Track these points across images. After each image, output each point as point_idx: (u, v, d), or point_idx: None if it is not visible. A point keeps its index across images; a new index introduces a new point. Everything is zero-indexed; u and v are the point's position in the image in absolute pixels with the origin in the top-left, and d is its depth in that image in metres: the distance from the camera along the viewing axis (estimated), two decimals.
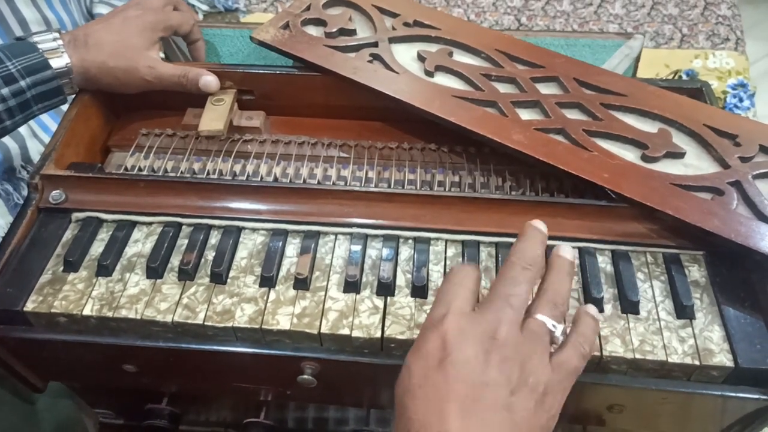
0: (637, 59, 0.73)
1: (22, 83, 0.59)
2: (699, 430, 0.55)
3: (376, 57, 0.66)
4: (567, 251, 0.44)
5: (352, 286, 0.52)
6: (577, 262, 0.45)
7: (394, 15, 0.70)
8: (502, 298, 0.40)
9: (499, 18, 1.29)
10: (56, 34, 0.62)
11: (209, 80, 0.64)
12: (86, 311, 0.52)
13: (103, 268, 0.54)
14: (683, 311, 0.50)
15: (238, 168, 0.62)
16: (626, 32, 0.74)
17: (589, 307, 0.44)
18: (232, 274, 0.54)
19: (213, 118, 0.63)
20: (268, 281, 0.53)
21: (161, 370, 0.57)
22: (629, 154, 0.57)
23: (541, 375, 0.38)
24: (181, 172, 0.61)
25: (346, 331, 0.50)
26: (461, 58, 0.66)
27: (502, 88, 0.63)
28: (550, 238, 0.54)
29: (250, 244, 0.56)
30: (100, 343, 0.52)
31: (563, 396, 0.40)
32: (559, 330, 0.41)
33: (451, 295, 0.41)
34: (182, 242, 0.56)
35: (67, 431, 0.76)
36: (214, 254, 0.55)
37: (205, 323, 0.51)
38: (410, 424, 0.37)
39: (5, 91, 0.58)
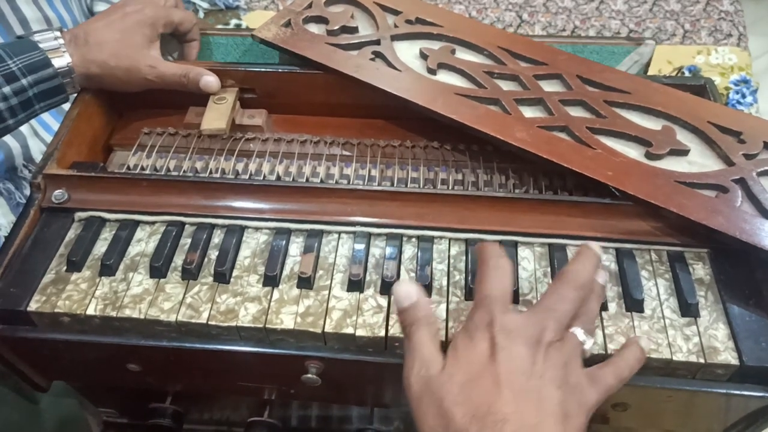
0: (647, 65, 0.72)
1: (24, 81, 0.58)
2: (703, 428, 0.55)
3: (378, 55, 0.65)
4: (602, 277, 0.47)
5: (355, 284, 0.52)
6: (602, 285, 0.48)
7: (396, 12, 0.70)
8: (549, 309, 0.43)
9: (501, 14, 1.28)
10: (57, 33, 0.62)
11: (210, 80, 0.64)
12: (90, 311, 0.52)
13: (107, 268, 0.54)
14: (688, 309, 0.50)
15: (240, 167, 0.62)
16: (637, 38, 0.73)
17: (641, 340, 0.46)
18: (235, 273, 0.54)
19: (215, 117, 0.63)
20: (271, 280, 0.53)
21: (165, 370, 0.57)
22: (633, 152, 0.57)
23: (579, 380, 0.41)
24: (184, 171, 0.61)
25: (350, 330, 0.50)
26: (464, 55, 0.66)
27: (505, 85, 0.62)
28: (553, 236, 0.55)
29: (254, 243, 0.56)
30: (103, 343, 0.52)
31: (592, 407, 0.42)
32: (588, 344, 0.43)
33: (496, 296, 0.43)
34: (185, 241, 0.56)
35: (70, 430, 0.76)
36: (217, 253, 0.55)
37: (209, 323, 0.51)
38: (478, 407, 0.38)
39: (7, 89, 0.58)
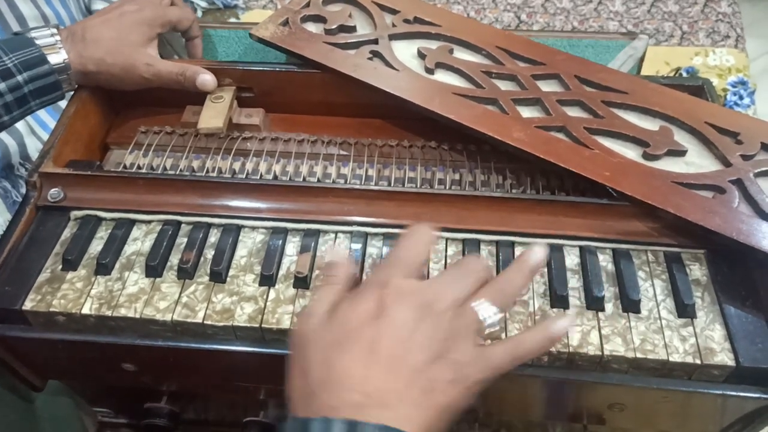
0: (642, 60, 0.73)
1: (19, 78, 0.58)
2: (699, 428, 0.55)
3: (376, 54, 0.65)
4: (536, 253, 0.44)
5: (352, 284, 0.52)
6: (537, 264, 0.45)
7: (394, 12, 0.70)
8: (450, 279, 0.42)
9: (499, 15, 1.28)
10: (54, 30, 0.61)
11: (207, 79, 0.64)
12: (85, 310, 0.51)
13: (102, 267, 0.54)
14: (684, 310, 0.50)
15: (237, 166, 0.62)
16: (630, 32, 0.74)
17: (561, 320, 0.43)
18: (231, 272, 0.54)
19: (212, 116, 0.63)
20: (267, 280, 0.53)
21: (160, 369, 0.56)
22: (630, 152, 0.57)
23: (462, 355, 0.40)
24: (181, 170, 0.61)
25: None
26: (462, 55, 0.66)
27: (503, 85, 0.62)
28: (550, 236, 0.55)
29: (250, 242, 0.56)
30: (99, 342, 0.52)
31: (474, 385, 0.40)
32: (491, 320, 0.41)
33: (399, 259, 0.43)
34: (181, 241, 0.56)
35: (65, 430, 0.76)
36: (213, 253, 0.54)
37: (205, 322, 0.51)
38: (332, 370, 0.38)
39: (2, 86, 0.57)
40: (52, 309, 0.51)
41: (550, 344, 0.43)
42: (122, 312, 0.51)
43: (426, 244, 0.44)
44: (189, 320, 0.51)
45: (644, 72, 0.77)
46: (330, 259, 0.45)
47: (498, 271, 0.53)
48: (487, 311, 0.41)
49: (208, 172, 0.61)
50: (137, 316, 0.51)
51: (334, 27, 0.68)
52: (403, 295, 0.40)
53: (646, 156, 0.56)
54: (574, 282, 0.52)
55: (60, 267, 0.54)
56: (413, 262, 0.43)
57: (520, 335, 0.42)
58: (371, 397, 0.37)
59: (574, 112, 0.60)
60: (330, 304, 0.42)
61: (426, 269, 0.53)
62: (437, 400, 0.38)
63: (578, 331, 0.49)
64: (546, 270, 0.53)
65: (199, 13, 1.26)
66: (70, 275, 0.54)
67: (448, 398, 0.39)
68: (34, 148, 0.86)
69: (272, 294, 0.52)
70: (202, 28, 0.75)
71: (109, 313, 0.51)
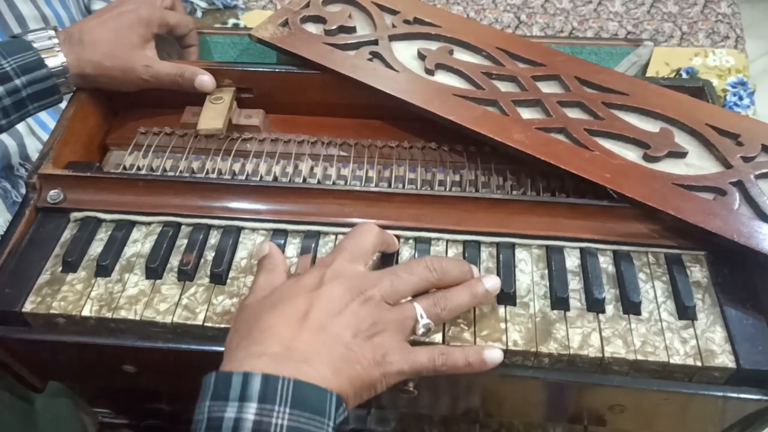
0: (646, 66, 0.72)
1: (17, 82, 0.58)
2: (700, 430, 0.55)
3: (375, 55, 0.65)
4: (489, 281, 0.48)
5: None
6: (495, 291, 0.49)
7: (394, 12, 0.70)
8: (392, 273, 0.45)
9: (499, 15, 1.28)
10: (52, 32, 0.61)
11: (205, 80, 0.64)
12: (85, 312, 0.51)
13: (102, 269, 0.54)
14: (685, 312, 0.50)
15: (237, 167, 0.62)
16: (635, 39, 0.73)
17: (494, 351, 0.45)
18: (231, 274, 0.54)
19: (212, 117, 0.63)
20: None
21: (160, 371, 0.56)
22: (631, 154, 0.57)
23: (387, 343, 0.43)
24: (180, 171, 0.61)
25: None
26: (462, 56, 0.66)
27: (503, 86, 0.62)
28: (551, 238, 0.55)
29: (250, 244, 0.56)
30: (99, 344, 0.52)
31: (393, 376, 0.43)
32: (423, 323, 0.44)
33: (347, 246, 0.47)
34: (181, 242, 0.56)
35: (66, 430, 0.76)
36: (213, 254, 0.54)
37: (205, 324, 0.51)
38: (260, 324, 0.42)
39: (0, 90, 0.57)
40: (52, 311, 0.51)
41: (477, 369, 0.45)
42: (122, 314, 0.51)
43: (371, 236, 0.48)
44: (189, 322, 0.51)
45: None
46: (261, 250, 0.49)
47: (497, 273, 0.53)
48: (420, 312, 0.44)
49: (207, 173, 0.61)
50: (137, 318, 0.51)
51: (333, 28, 0.67)
52: (342, 275, 0.44)
53: (647, 158, 0.56)
54: (574, 284, 0.52)
55: (60, 269, 0.54)
56: (358, 251, 0.46)
57: (453, 349, 0.45)
58: (292, 351, 0.40)
59: (574, 114, 0.60)
60: (271, 287, 0.45)
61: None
62: (356, 372, 0.41)
63: (579, 333, 0.49)
64: (546, 272, 0.53)
65: (199, 14, 1.26)
66: (70, 277, 0.54)
67: (367, 375, 0.41)
68: (34, 149, 0.86)
69: None
70: (199, 34, 0.75)
71: (109, 315, 0.51)
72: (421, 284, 0.46)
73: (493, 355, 0.45)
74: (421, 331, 0.45)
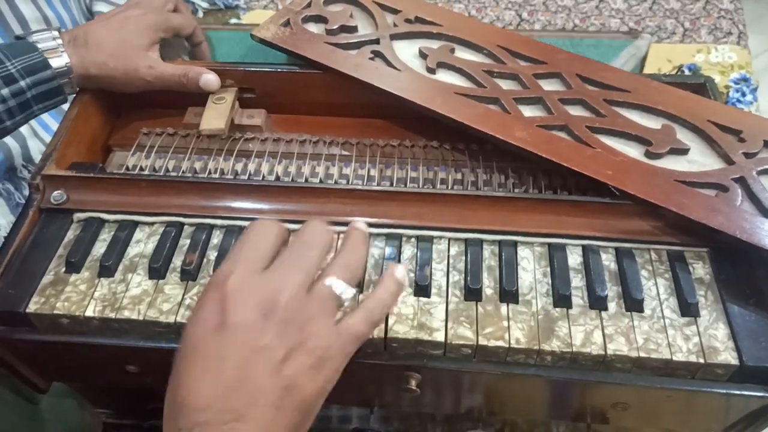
0: (644, 58, 0.72)
1: (22, 83, 0.58)
2: (703, 427, 0.55)
3: (377, 54, 0.65)
4: (361, 224, 0.46)
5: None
6: (368, 234, 0.46)
7: (395, 11, 0.70)
8: (292, 261, 0.40)
9: (500, 13, 1.28)
10: (56, 33, 0.61)
11: (210, 78, 0.64)
12: (89, 312, 0.51)
13: (105, 269, 0.54)
14: (688, 309, 0.50)
15: (239, 167, 0.62)
16: (633, 31, 0.73)
17: (395, 270, 0.43)
18: None
19: (214, 117, 0.63)
20: None
21: (164, 371, 0.56)
22: (633, 151, 0.57)
23: (322, 339, 0.38)
24: (183, 172, 0.61)
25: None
26: (463, 54, 0.66)
27: (505, 84, 0.62)
28: (553, 235, 0.55)
29: None
30: (102, 344, 0.52)
31: (343, 360, 0.40)
32: (347, 294, 0.41)
33: (241, 254, 0.40)
34: (184, 242, 0.56)
35: (70, 431, 0.76)
36: (216, 254, 0.55)
37: None
38: (179, 391, 0.37)
39: (5, 91, 0.58)
40: (55, 311, 0.52)
41: (398, 294, 0.43)
42: (126, 314, 0.51)
43: (268, 237, 0.42)
44: None
45: (646, 69, 0.77)
46: None
47: (499, 272, 0.53)
48: (340, 287, 0.40)
49: (210, 173, 0.61)
50: (140, 318, 0.51)
51: (335, 27, 0.67)
52: (244, 295, 0.38)
53: (649, 154, 0.56)
54: (577, 281, 0.52)
55: (63, 269, 0.54)
56: (254, 255, 0.41)
57: (368, 300, 0.42)
58: (223, 414, 0.35)
59: (576, 111, 0.60)
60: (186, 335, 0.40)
61: (430, 269, 0.53)
62: (302, 394, 0.37)
63: (581, 331, 0.49)
64: (549, 269, 0.53)
65: (200, 14, 1.26)
66: (73, 277, 0.54)
67: (315, 385, 0.38)
68: (36, 150, 0.86)
69: None
70: (203, 30, 0.75)
71: (112, 315, 0.51)
72: (324, 253, 0.41)
73: (399, 272, 0.43)
74: (347, 303, 0.41)
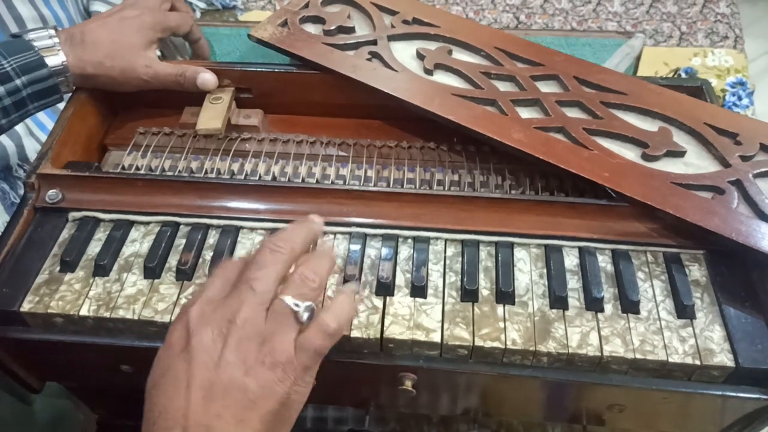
0: (638, 58, 0.73)
1: (18, 82, 0.58)
2: (699, 429, 0.55)
3: (375, 55, 0.65)
4: (314, 216, 0.46)
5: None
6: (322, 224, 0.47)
7: (393, 13, 0.70)
8: (246, 282, 0.42)
9: (498, 16, 1.28)
10: (52, 32, 0.61)
11: (207, 78, 0.64)
12: (83, 312, 0.51)
13: (100, 268, 0.53)
14: (684, 311, 0.50)
15: (236, 167, 0.62)
16: (627, 31, 0.74)
17: (347, 286, 0.45)
18: None
19: (211, 117, 0.63)
20: None
21: None
22: (630, 153, 0.57)
23: (281, 354, 0.40)
24: (179, 171, 0.61)
25: (345, 332, 0.50)
26: (461, 56, 0.66)
27: (502, 86, 0.62)
28: (549, 237, 0.55)
29: (249, 243, 0.56)
30: (97, 344, 0.52)
31: (307, 374, 0.41)
32: (303, 308, 0.41)
33: (205, 287, 0.43)
34: (180, 242, 0.56)
35: (64, 431, 0.76)
36: (212, 254, 0.54)
37: None
38: (152, 414, 0.39)
39: (0, 90, 0.57)
40: (50, 310, 0.51)
41: (353, 306, 0.44)
42: (120, 314, 0.51)
43: (232, 274, 0.44)
44: None
45: (643, 73, 0.77)
46: None
47: (496, 273, 0.53)
48: (295, 302, 0.41)
49: (206, 173, 0.61)
50: (135, 317, 0.51)
51: (332, 28, 0.67)
52: (205, 316, 0.41)
53: (645, 157, 0.56)
54: (573, 283, 0.52)
55: (58, 268, 0.54)
56: (218, 285, 0.43)
57: (324, 314, 0.42)
58: (191, 426, 0.37)
59: (573, 113, 0.60)
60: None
61: (426, 270, 0.53)
62: (266, 407, 0.39)
63: (578, 332, 0.49)
64: (545, 271, 0.53)
65: (198, 14, 1.26)
66: (68, 277, 0.53)
67: (278, 398, 0.39)
68: (32, 150, 0.86)
69: None
70: (200, 26, 0.75)
71: (107, 314, 0.51)
72: (279, 269, 0.42)
73: (350, 287, 0.45)
74: (305, 316, 0.41)
